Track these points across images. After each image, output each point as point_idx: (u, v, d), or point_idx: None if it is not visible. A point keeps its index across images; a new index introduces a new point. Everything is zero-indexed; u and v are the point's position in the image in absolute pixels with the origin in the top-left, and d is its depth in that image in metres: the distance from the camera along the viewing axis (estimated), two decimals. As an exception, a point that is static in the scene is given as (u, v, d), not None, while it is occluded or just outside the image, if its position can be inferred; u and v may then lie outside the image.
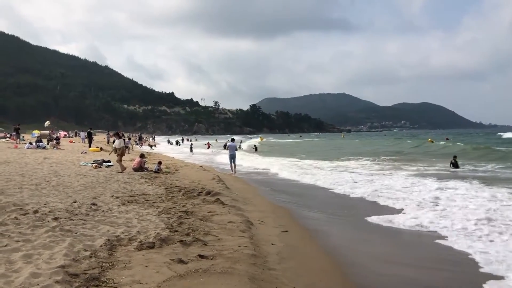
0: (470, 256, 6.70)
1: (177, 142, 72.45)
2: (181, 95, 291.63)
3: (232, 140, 23.49)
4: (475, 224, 8.53)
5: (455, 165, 21.89)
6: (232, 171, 21.07)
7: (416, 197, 12.08)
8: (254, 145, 47.14)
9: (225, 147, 22.92)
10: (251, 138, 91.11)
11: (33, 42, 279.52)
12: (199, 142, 72.06)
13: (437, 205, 10.79)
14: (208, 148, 55.57)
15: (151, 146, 56.00)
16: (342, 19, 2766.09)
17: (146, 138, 77.38)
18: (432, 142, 50.94)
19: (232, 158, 21.49)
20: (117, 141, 17.56)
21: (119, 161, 16.73)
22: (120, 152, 16.90)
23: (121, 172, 15.87)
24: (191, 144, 52.38)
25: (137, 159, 18.35)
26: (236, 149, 22.01)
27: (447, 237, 7.87)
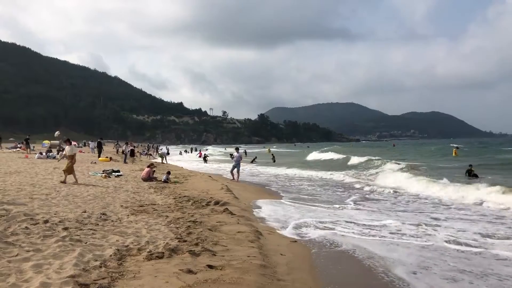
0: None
1: (186, 151, 72.60)
2: (187, 104, 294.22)
3: (237, 149, 23.91)
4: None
5: (470, 173, 21.71)
6: (234, 178, 21.41)
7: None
8: (272, 155, 46.54)
9: (231, 156, 23.36)
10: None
11: (38, 52, 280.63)
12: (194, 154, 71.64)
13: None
14: (201, 157, 53.90)
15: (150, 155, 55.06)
16: (343, 28, 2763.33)
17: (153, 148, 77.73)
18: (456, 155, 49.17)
19: (236, 166, 22.06)
20: (67, 148, 15.80)
21: (67, 170, 14.75)
22: (70, 159, 15.01)
23: (62, 182, 14.28)
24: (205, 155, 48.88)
25: (146, 169, 18.44)
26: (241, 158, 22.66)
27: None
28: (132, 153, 32.16)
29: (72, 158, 15.06)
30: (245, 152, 63.16)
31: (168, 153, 55.42)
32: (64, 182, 14.35)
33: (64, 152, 16.08)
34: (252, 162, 41.46)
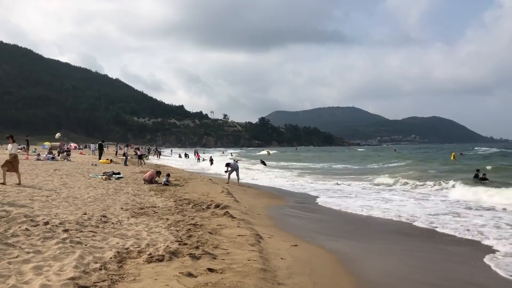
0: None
1: (186, 155, 72.77)
2: (185, 107, 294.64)
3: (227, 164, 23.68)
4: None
5: (477, 177, 22.01)
6: (228, 182, 21.29)
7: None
8: (261, 160, 47.63)
9: (227, 165, 23.16)
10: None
11: (40, 54, 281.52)
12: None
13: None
14: (199, 158, 57.06)
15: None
16: (337, 32, 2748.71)
17: (154, 150, 77.99)
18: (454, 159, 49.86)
19: (236, 170, 22.16)
20: (10, 146, 14.14)
21: (7, 169, 13.35)
22: (12, 159, 13.51)
23: (2, 184, 12.83)
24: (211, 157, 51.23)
25: (151, 171, 18.47)
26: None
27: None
28: (140, 157, 34.38)
29: (13, 156, 13.70)
30: (231, 154, 66.75)
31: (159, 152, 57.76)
32: (19, 182, 13.39)
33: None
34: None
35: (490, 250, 8.29)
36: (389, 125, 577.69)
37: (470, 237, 9.53)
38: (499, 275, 6.68)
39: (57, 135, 61.03)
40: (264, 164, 44.11)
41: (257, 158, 63.49)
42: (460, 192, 17.49)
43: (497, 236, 9.38)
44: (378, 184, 22.92)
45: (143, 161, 34.41)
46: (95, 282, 4.80)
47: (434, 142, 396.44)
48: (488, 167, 28.16)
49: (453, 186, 19.37)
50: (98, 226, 7.80)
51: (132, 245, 6.62)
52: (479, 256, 7.78)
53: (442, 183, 20.75)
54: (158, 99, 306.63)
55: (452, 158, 50.07)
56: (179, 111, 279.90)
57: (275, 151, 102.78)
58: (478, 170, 23.15)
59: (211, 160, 46.62)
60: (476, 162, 38.12)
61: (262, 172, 34.09)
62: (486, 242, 8.98)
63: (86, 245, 6.35)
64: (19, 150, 38.86)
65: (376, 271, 6.84)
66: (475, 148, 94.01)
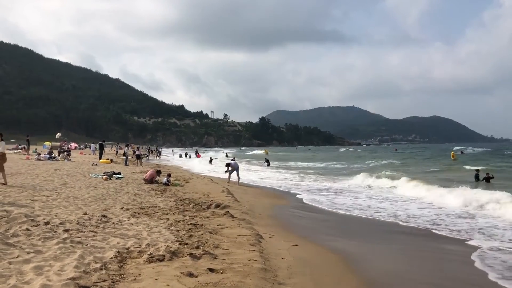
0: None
1: (186, 154, 72.83)
2: (185, 107, 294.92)
3: (228, 165, 23.60)
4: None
5: (477, 178, 21.89)
6: (229, 182, 21.27)
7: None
8: (266, 159, 48.16)
9: (227, 165, 23.09)
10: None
11: (40, 54, 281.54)
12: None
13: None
14: (199, 157, 58.93)
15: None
16: (336, 31, 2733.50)
17: (154, 150, 78.19)
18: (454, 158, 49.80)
19: (236, 170, 22.11)
20: None
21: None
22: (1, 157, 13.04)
23: (4, 184, 12.65)
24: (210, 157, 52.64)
25: (151, 171, 18.47)
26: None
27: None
28: (139, 157, 34.65)
29: (1, 155, 13.18)
30: (226, 155, 67.88)
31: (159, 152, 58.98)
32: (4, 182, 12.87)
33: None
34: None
35: (486, 249, 8.30)
36: (390, 125, 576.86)
37: (469, 237, 9.54)
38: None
39: (58, 135, 61.04)
40: (268, 163, 44.48)
41: (251, 157, 63.89)
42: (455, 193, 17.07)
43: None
44: (375, 183, 22.82)
45: (141, 161, 34.23)
46: (95, 282, 4.80)
47: (435, 142, 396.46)
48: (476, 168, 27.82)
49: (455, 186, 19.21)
50: (98, 226, 7.81)
51: (133, 245, 6.62)
52: (478, 256, 7.79)
53: (439, 182, 20.68)
54: (158, 98, 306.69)
55: (452, 157, 50.08)
56: (180, 110, 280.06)
57: (269, 151, 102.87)
58: (478, 171, 22.74)
59: (211, 160, 48.07)
60: (476, 161, 38.11)
61: (263, 172, 34.19)
62: (486, 242, 9.00)
63: (87, 245, 6.36)
64: (19, 150, 39.03)
65: (376, 270, 6.83)
66: (466, 148, 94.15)
